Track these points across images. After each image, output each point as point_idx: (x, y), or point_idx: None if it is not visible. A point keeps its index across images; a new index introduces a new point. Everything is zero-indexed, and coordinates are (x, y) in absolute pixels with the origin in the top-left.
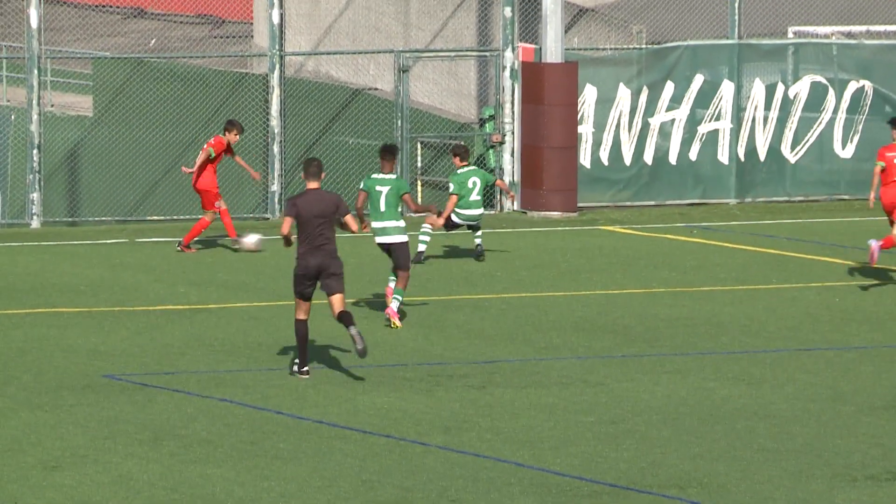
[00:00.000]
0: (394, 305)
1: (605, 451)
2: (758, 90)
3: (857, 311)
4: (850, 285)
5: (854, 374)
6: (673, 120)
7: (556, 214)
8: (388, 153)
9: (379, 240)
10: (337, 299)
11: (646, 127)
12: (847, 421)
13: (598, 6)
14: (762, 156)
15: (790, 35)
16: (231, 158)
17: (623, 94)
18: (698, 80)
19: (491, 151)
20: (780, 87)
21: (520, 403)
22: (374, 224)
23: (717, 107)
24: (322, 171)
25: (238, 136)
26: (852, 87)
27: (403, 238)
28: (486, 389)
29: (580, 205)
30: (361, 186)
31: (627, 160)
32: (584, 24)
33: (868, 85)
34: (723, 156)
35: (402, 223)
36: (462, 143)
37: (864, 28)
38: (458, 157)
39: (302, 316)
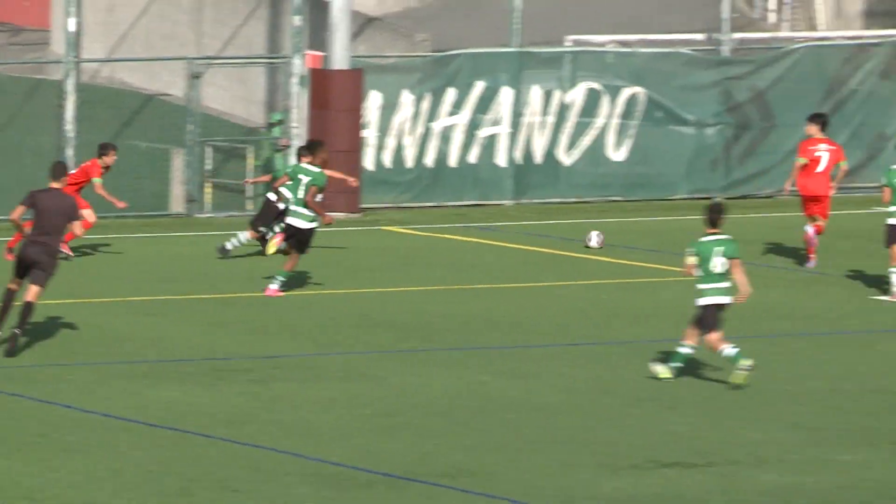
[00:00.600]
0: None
1: (382, 442)
2: (535, 96)
3: (622, 307)
4: (617, 283)
5: (619, 367)
6: (454, 125)
7: (340, 215)
8: (315, 147)
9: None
10: (34, 291)
11: (428, 131)
12: (612, 412)
13: (384, 15)
14: (538, 159)
15: (567, 43)
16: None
17: (406, 99)
18: (479, 86)
19: (279, 155)
20: (557, 94)
21: (300, 397)
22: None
23: (496, 112)
24: (66, 173)
25: (114, 157)
26: (626, 93)
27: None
28: (268, 384)
29: (364, 206)
30: (288, 172)
31: (409, 163)
32: (370, 32)
33: (641, 91)
34: (500, 159)
35: (309, 212)
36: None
37: (638, 37)
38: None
39: (12, 287)
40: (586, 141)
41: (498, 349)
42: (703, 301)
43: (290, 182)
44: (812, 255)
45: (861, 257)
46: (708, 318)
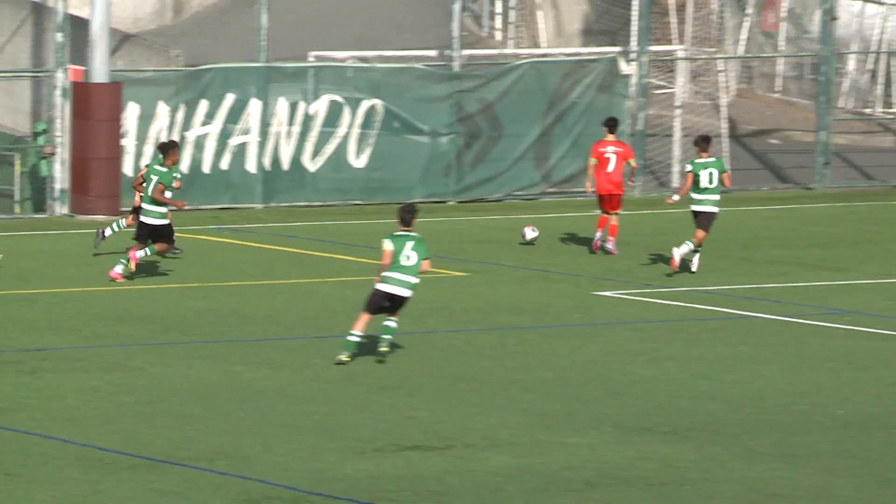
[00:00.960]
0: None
1: (144, 428)
2: (282, 108)
3: None
4: (361, 279)
5: (362, 357)
6: (207, 134)
7: (101, 217)
8: (166, 148)
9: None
10: None
11: (183, 140)
12: (358, 399)
13: (141, 32)
14: (285, 165)
15: (310, 59)
16: None
17: (162, 110)
18: (229, 98)
19: (44, 162)
20: (302, 105)
21: (67, 386)
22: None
23: (245, 122)
24: None
25: None
26: (365, 105)
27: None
28: (37, 374)
29: (124, 209)
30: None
31: None
32: (127, 48)
33: (379, 103)
34: (250, 166)
35: (159, 208)
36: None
37: (376, 53)
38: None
39: None
40: (329, 149)
41: (252, 341)
42: (380, 286)
43: (144, 182)
44: (604, 244)
45: (583, 255)
46: (373, 301)
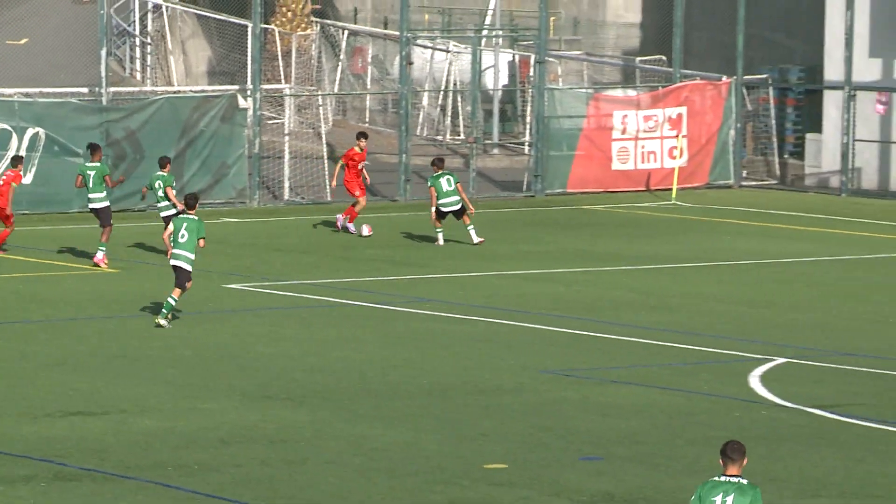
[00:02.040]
0: (99, 255)
1: None
2: None
3: (37, 294)
4: (30, 275)
5: (33, 340)
6: None
7: None
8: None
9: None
10: None
11: None
12: (30, 374)
13: None
14: None
15: None
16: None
17: None
18: None
19: None
20: None
21: None
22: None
23: None
24: None
25: None
26: (30, 132)
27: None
28: None
29: None
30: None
31: None
32: None
33: (42, 131)
34: None
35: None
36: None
37: (38, 90)
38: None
39: None
40: (0, 168)
41: None
42: (172, 262)
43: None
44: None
45: (214, 255)
46: (179, 275)
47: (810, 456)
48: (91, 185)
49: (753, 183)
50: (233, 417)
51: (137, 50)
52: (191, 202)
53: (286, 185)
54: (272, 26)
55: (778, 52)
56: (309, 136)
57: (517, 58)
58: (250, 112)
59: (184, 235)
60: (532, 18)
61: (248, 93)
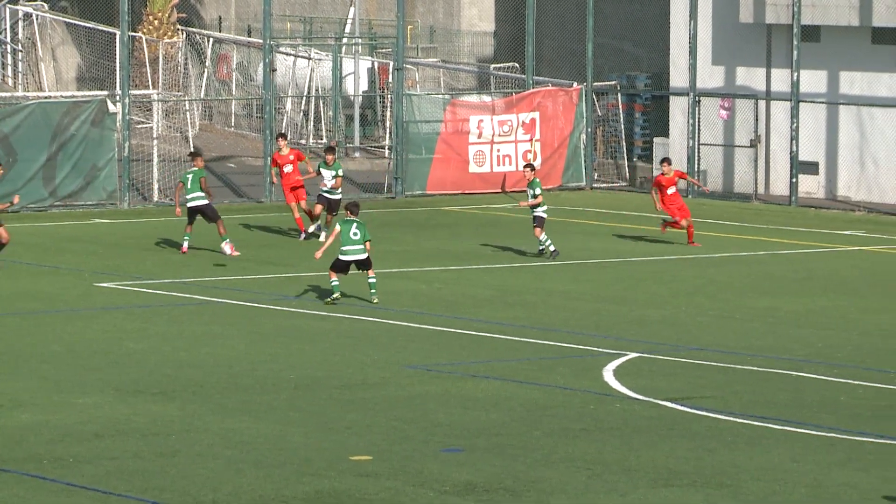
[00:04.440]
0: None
1: None
2: None
3: None
4: None
5: None
6: None
7: None
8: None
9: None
10: None
11: None
12: None
13: None
14: None
15: None
16: None
17: None
18: None
19: None
20: None
21: None
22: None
23: None
24: None
25: None
26: None
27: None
28: None
29: None
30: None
31: None
32: None
33: None
34: None
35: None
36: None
37: None
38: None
39: None
40: None
41: None
42: (347, 258)
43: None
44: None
45: (86, 254)
46: (363, 264)
47: (663, 446)
48: (189, 186)
49: (604, 185)
50: (106, 411)
51: (9, 57)
52: (353, 209)
53: (155, 187)
54: (139, 34)
55: (625, 60)
56: (177, 140)
57: (376, 65)
58: (120, 116)
59: (356, 234)
60: (390, 27)
61: (118, 98)
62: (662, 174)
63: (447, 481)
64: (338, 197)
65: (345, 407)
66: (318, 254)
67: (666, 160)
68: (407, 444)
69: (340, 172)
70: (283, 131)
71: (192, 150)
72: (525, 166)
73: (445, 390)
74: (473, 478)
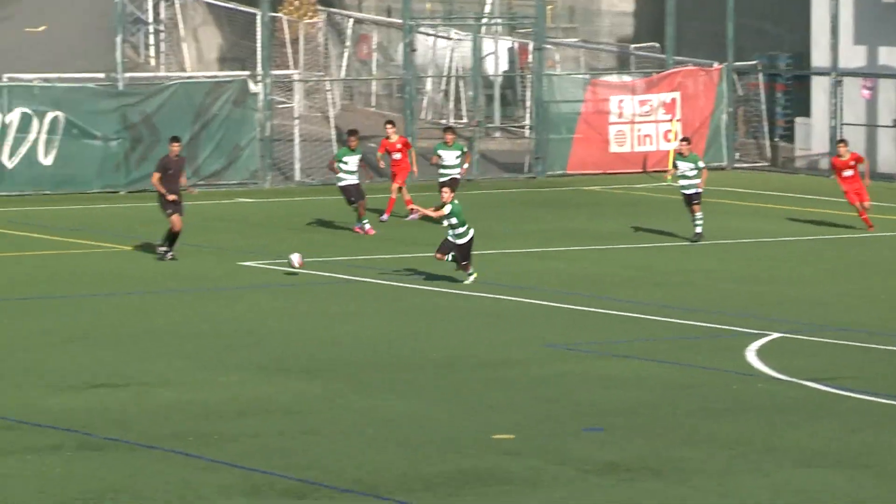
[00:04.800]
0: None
1: None
2: None
3: (58, 271)
4: (58, 253)
5: (57, 315)
6: None
7: None
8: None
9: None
10: None
11: None
12: (54, 349)
13: None
14: None
15: (4, 80)
16: None
17: None
18: None
19: None
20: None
21: None
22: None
23: None
24: None
25: None
26: (50, 115)
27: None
28: None
29: None
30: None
31: None
32: None
33: (61, 115)
34: None
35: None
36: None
37: (57, 75)
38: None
39: None
40: (23, 150)
41: None
42: (459, 241)
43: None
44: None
45: (228, 232)
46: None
47: (806, 427)
48: (347, 165)
49: (745, 165)
50: (250, 390)
51: (151, 37)
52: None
53: (297, 166)
54: (280, 14)
55: (767, 40)
56: (318, 120)
57: (516, 45)
58: (261, 97)
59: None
60: (529, 7)
61: (259, 78)
62: (838, 156)
63: (589, 460)
64: (458, 175)
65: (487, 385)
66: (418, 208)
67: (842, 142)
68: (549, 423)
69: (465, 149)
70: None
71: (350, 128)
72: (681, 139)
73: (586, 369)
74: (615, 457)
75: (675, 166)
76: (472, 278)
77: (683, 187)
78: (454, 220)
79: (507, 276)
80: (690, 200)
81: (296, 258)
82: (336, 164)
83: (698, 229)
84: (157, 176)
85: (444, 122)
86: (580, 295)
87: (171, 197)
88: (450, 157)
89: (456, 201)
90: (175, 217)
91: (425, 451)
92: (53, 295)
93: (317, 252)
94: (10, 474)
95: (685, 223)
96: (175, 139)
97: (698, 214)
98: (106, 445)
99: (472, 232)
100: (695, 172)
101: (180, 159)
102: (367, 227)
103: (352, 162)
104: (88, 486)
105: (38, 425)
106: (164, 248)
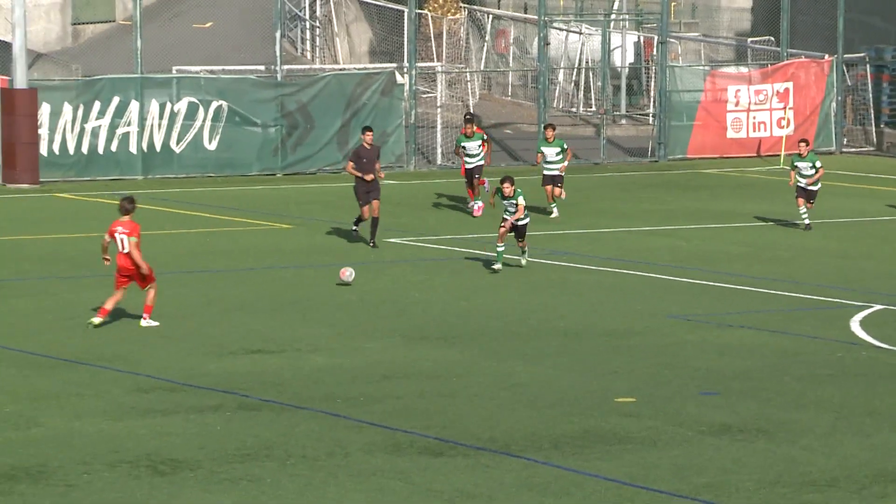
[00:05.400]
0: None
1: (62, 338)
2: (154, 107)
3: (220, 247)
4: (218, 231)
5: (218, 287)
6: (100, 125)
7: (25, 186)
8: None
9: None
10: None
11: (83, 130)
12: (215, 317)
13: (49, 52)
14: (158, 148)
15: (174, 72)
16: None
17: (67, 109)
18: (116, 100)
19: None
20: (169, 105)
21: (3, 308)
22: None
23: (128, 117)
24: None
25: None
26: (214, 104)
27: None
28: None
29: (42, 180)
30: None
31: (71, 151)
32: (40, 64)
33: (224, 104)
34: (133, 148)
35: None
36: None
37: (220, 67)
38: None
39: None
40: (190, 136)
41: None
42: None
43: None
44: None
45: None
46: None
47: None
48: (472, 150)
49: (853, 150)
50: (393, 355)
51: (307, 32)
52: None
53: (439, 151)
54: (425, 11)
55: (874, 34)
56: (458, 108)
57: (642, 39)
58: (407, 87)
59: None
60: (655, 4)
61: (405, 70)
62: None
63: (704, 422)
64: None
65: (610, 353)
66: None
67: None
68: (667, 387)
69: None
70: (553, 102)
71: (470, 114)
72: (800, 141)
73: (703, 338)
74: (728, 419)
75: (794, 166)
76: (525, 259)
77: (801, 186)
78: (510, 203)
79: (630, 252)
80: (808, 198)
81: (347, 273)
82: (460, 150)
83: (807, 221)
84: (350, 165)
85: (573, 110)
86: (697, 269)
87: (369, 176)
88: (473, 146)
89: (519, 189)
90: (366, 208)
91: (552, 413)
92: (215, 269)
93: (454, 230)
94: (175, 432)
95: (794, 204)
96: (367, 129)
97: (803, 210)
98: (262, 406)
99: (528, 218)
100: (812, 171)
101: (374, 148)
102: (477, 206)
103: (470, 147)
104: (245, 442)
105: (200, 387)
106: (355, 229)
